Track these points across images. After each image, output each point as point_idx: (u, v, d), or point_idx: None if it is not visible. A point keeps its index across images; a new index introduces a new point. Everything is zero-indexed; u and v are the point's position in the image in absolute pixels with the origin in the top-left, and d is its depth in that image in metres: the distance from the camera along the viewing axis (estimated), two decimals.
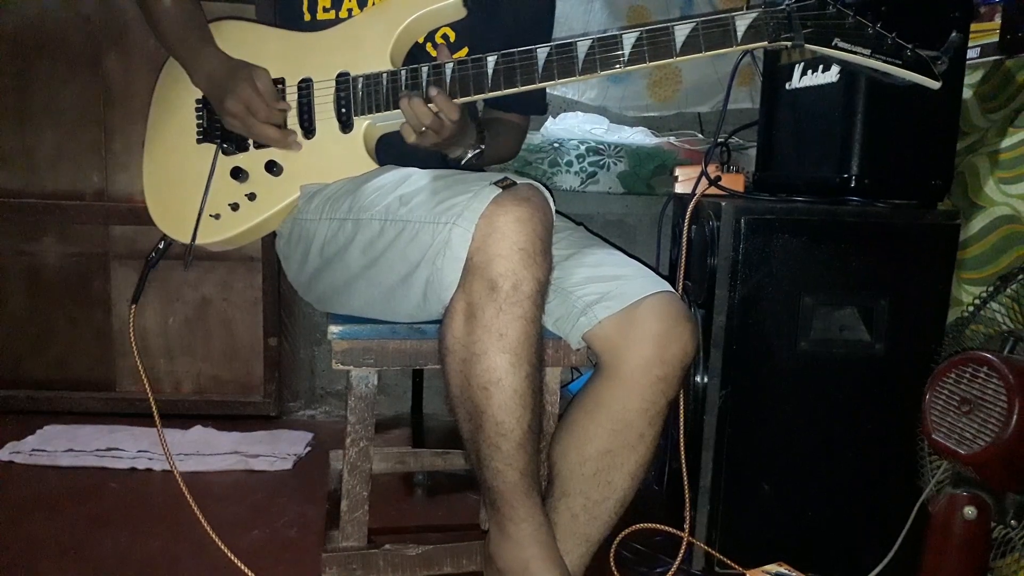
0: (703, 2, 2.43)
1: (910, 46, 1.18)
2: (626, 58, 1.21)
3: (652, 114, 2.47)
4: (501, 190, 1.06)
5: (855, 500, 1.51)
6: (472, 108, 1.45)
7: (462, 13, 1.32)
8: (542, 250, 1.05)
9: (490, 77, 1.25)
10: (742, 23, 1.19)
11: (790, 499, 1.51)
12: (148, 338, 2.51)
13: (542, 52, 1.23)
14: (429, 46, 1.42)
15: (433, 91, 1.23)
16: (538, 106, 1.63)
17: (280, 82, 1.35)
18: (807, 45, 1.19)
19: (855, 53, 1.18)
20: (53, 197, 2.45)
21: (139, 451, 2.12)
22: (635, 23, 2.44)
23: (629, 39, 1.21)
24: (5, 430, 2.24)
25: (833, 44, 1.18)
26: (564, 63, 1.23)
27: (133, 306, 1.40)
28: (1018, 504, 1.27)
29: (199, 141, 1.39)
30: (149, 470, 2.04)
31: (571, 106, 2.40)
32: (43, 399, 2.47)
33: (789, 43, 1.19)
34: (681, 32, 1.19)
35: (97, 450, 2.13)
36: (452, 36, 1.43)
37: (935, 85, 1.19)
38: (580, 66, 1.22)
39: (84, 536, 1.71)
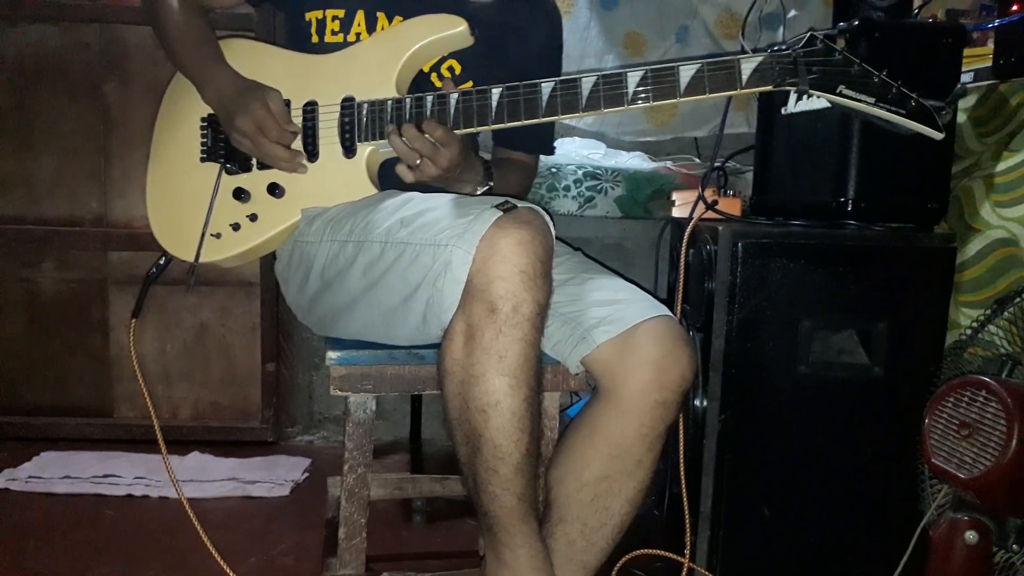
0: (699, 29, 2.46)
1: (914, 96, 1.18)
2: (630, 97, 1.22)
3: (649, 139, 2.49)
4: (502, 213, 1.07)
5: (856, 525, 1.50)
6: (473, 140, 1.45)
7: (469, 42, 1.33)
8: (542, 273, 1.05)
9: (494, 109, 1.26)
10: (747, 67, 1.20)
11: (791, 524, 1.49)
12: (146, 364, 2.51)
13: (546, 87, 1.24)
14: (435, 77, 1.42)
15: (425, 121, 1.23)
16: (545, 146, 1.62)
17: (286, 104, 1.35)
18: (812, 91, 1.19)
19: (860, 101, 1.18)
20: (52, 223, 2.46)
21: (136, 478, 2.11)
22: (631, 49, 2.46)
23: (634, 78, 1.21)
24: (1, 457, 2.22)
25: (838, 91, 1.19)
26: (568, 99, 1.23)
27: (133, 320, 1.40)
28: (1019, 528, 1.26)
29: (203, 160, 1.39)
30: (146, 496, 2.03)
31: (568, 131, 2.41)
32: (40, 425, 2.46)
33: (794, 88, 1.20)
34: (686, 73, 1.20)
35: (94, 477, 2.12)
36: (458, 69, 1.43)
37: (938, 136, 1.19)
38: (584, 103, 1.23)
39: (80, 564, 1.69)
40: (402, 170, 1.28)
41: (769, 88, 1.20)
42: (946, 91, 1.38)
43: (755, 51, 1.23)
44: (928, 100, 1.19)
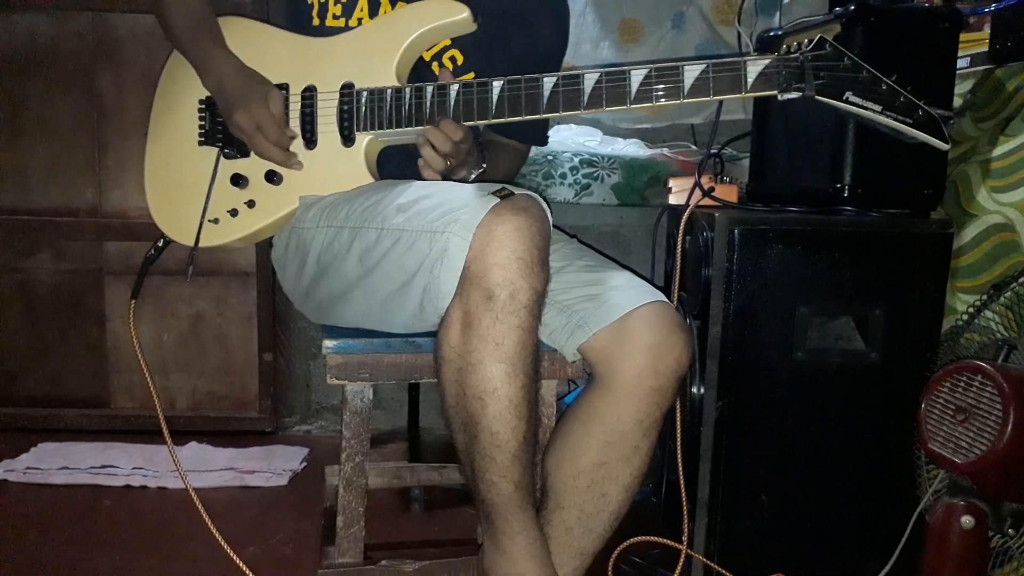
0: (695, 15, 2.45)
1: (922, 104, 1.15)
2: (632, 96, 1.19)
3: (645, 126, 2.48)
4: (499, 200, 1.06)
5: (853, 510, 1.51)
6: (474, 129, 1.44)
7: (472, 28, 1.31)
8: (539, 260, 1.04)
9: (494, 103, 1.24)
10: (753, 69, 1.17)
11: (788, 510, 1.50)
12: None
13: (548, 82, 1.22)
14: (435, 65, 1.41)
15: (445, 122, 1.23)
16: (539, 138, 1.60)
17: (284, 87, 1.34)
18: (818, 97, 1.17)
19: (867, 109, 1.16)
20: (47, 214, 2.45)
21: (134, 468, 2.12)
22: (626, 35, 2.45)
23: (637, 76, 1.19)
24: None
25: (845, 98, 1.16)
26: (570, 95, 1.21)
27: (133, 301, 1.39)
28: (1015, 513, 1.26)
29: (200, 143, 1.38)
30: (144, 487, 2.03)
31: (564, 118, 2.41)
32: (37, 416, 2.46)
33: (800, 94, 1.17)
34: (691, 74, 1.18)
35: (91, 467, 2.12)
36: (460, 59, 1.42)
37: (944, 147, 1.17)
38: (586, 100, 1.20)
39: (78, 555, 1.70)
40: (425, 169, 1.28)
41: (774, 93, 1.17)
42: (943, 76, 1.37)
43: (760, 47, 1.20)
44: (935, 109, 1.16)
